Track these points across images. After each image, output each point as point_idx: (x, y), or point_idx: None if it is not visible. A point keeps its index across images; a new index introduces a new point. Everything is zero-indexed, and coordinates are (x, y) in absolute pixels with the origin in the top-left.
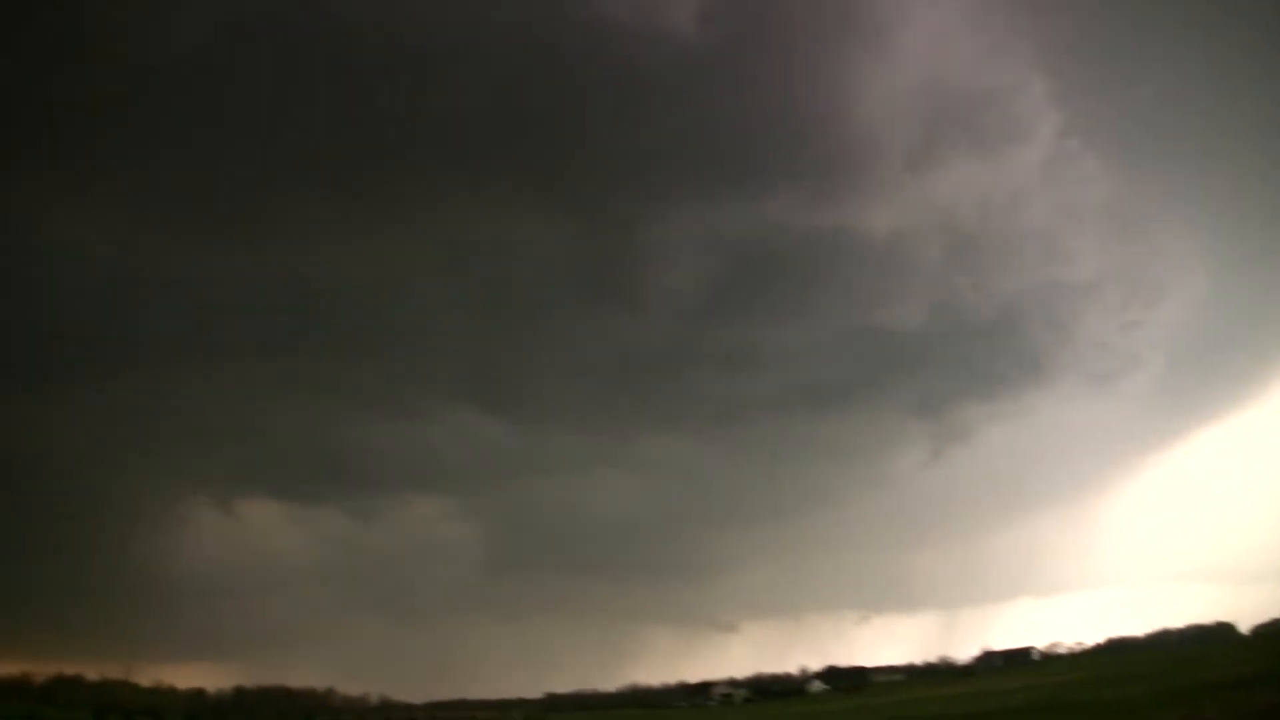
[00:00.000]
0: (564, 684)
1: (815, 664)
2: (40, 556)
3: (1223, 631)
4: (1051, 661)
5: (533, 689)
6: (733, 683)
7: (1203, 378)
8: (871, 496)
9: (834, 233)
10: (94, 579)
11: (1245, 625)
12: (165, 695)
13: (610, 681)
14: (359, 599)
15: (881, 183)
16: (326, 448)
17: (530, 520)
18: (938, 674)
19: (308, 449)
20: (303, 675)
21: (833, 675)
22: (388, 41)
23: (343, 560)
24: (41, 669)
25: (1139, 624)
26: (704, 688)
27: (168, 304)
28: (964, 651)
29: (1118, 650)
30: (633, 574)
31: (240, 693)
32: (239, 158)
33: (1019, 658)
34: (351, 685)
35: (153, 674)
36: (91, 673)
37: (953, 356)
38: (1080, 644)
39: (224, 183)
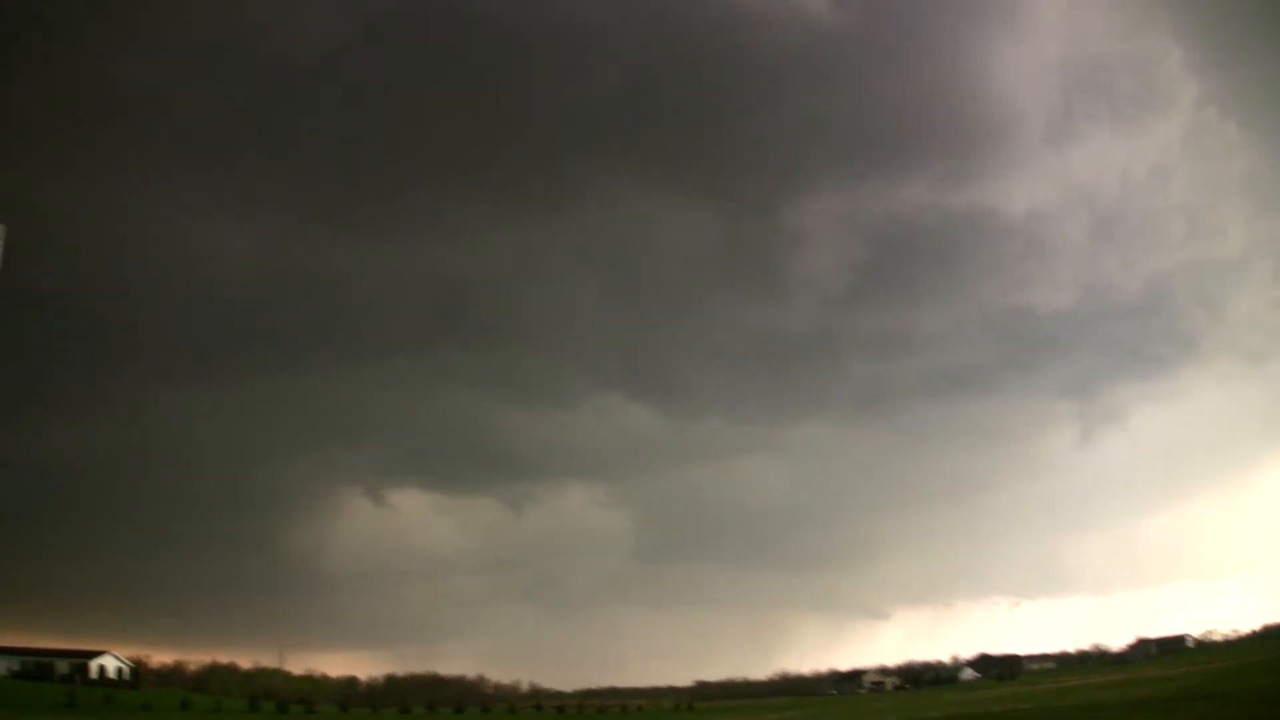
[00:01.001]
0: (714, 672)
1: (967, 651)
2: (196, 549)
3: None
4: (1206, 649)
5: (683, 677)
6: (883, 670)
7: None
8: (1022, 480)
9: (974, 212)
10: (249, 571)
11: None
12: (318, 683)
13: (760, 670)
14: (509, 587)
15: (1020, 159)
16: (477, 438)
17: (680, 507)
18: (1090, 661)
19: (458, 439)
20: (453, 663)
21: (984, 663)
22: (526, 34)
23: (493, 549)
24: (196, 658)
25: None
26: (855, 676)
27: (317, 302)
28: (1117, 638)
29: (1274, 637)
30: (783, 561)
31: (391, 680)
32: (383, 155)
33: (1173, 645)
34: (502, 673)
35: (305, 662)
36: (245, 661)
37: (1101, 336)
38: (1236, 631)
39: (369, 180)
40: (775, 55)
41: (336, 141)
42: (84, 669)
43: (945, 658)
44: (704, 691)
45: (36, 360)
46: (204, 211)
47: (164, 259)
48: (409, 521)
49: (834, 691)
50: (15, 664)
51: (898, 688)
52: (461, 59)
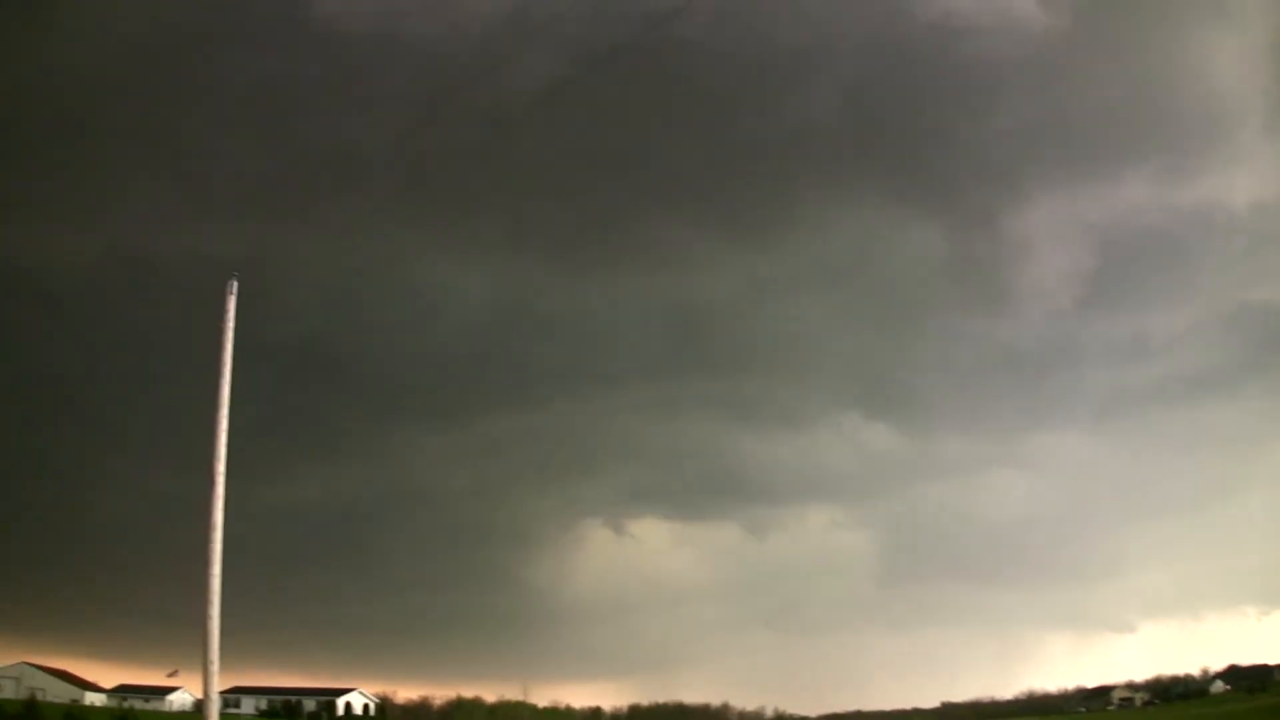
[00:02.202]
0: (959, 693)
1: (1216, 663)
2: (439, 587)
3: None
4: None
5: (928, 699)
6: (1131, 686)
7: None
8: (1269, 485)
9: (1199, 208)
10: (492, 605)
11: None
12: (562, 714)
13: (1006, 689)
14: (751, 613)
15: (1241, 151)
16: (715, 464)
17: (921, 526)
18: None
19: (697, 467)
20: (697, 691)
21: (1235, 675)
22: (740, 60)
23: (734, 575)
24: (441, 692)
25: None
26: (1102, 692)
27: (551, 338)
28: None
29: None
30: (1026, 576)
31: (635, 710)
32: (610, 188)
33: None
34: (746, 699)
35: (550, 694)
36: (489, 695)
37: None
38: None
39: (597, 214)
40: (988, 62)
41: (561, 178)
42: (331, 706)
43: (1194, 671)
44: (949, 713)
45: (276, 409)
46: (435, 257)
47: (398, 305)
48: (649, 550)
49: (1082, 709)
50: (263, 703)
51: (1146, 703)
52: (679, 88)
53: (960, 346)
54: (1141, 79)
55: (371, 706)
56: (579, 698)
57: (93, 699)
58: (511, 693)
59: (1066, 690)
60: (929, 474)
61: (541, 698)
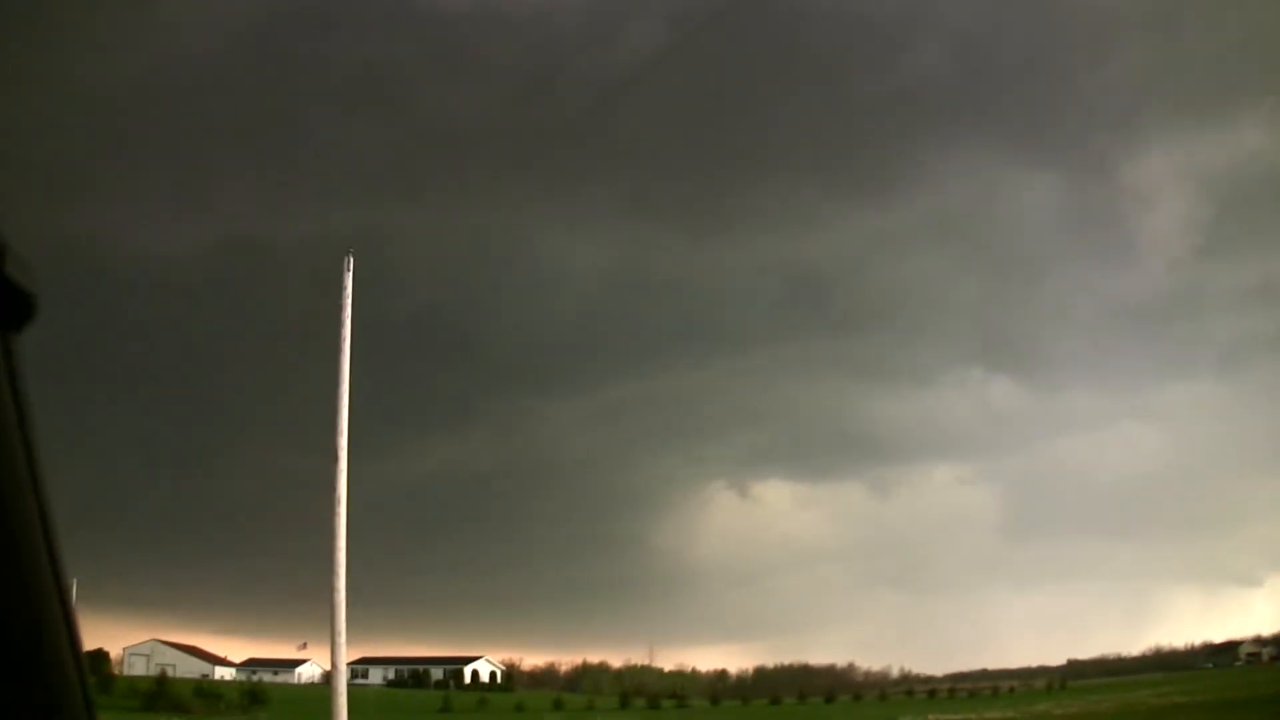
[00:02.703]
0: (1086, 650)
1: None
2: (565, 554)
3: None
4: None
5: (1054, 656)
6: (1259, 640)
7: None
8: None
9: None
10: (617, 571)
11: None
12: (688, 678)
13: (1133, 645)
14: (876, 573)
15: None
16: (838, 424)
17: (1046, 481)
18: None
19: (820, 427)
20: (823, 652)
21: None
22: (849, 16)
23: (859, 535)
24: (567, 659)
25: None
26: (1230, 647)
27: (672, 302)
28: None
29: None
30: (1154, 530)
31: (761, 672)
32: (724, 152)
33: None
34: (872, 660)
35: (675, 658)
36: (615, 660)
37: None
38: None
39: (713, 178)
40: (1102, 8)
41: (672, 144)
42: (458, 674)
43: None
44: (1076, 670)
45: (397, 385)
46: (550, 227)
47: (515, 277)
48: (774, 512)
49: (1209, 665)
50: (391, 673)
51: (1274, 658)
52: (790, 48)
53: (1082, 298)
54: (1257, 21)
55: (498, 674)
56: (705, 661)
57: (222, 673)
58: (638, 657)
59: (1194, 646)
60: (1054, 428)
61: (667, 662)
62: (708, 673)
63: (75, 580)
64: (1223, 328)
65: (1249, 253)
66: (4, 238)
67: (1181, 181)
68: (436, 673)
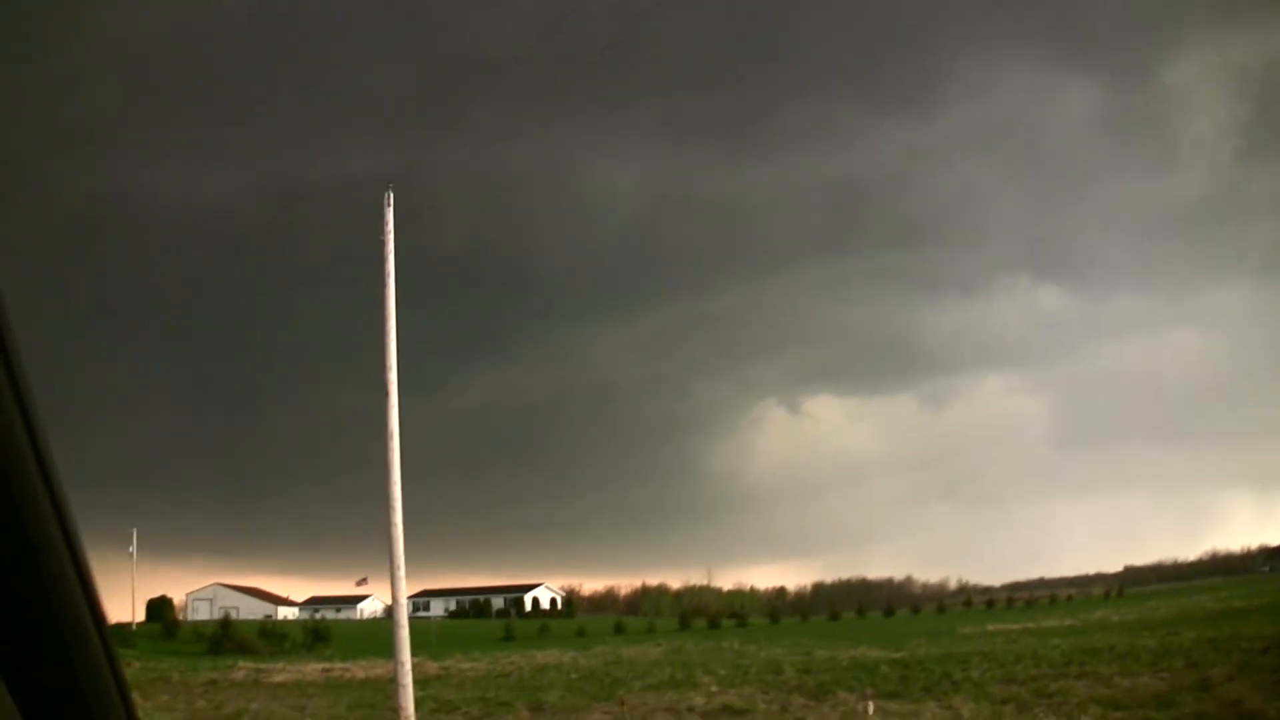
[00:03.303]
0: (1142, 556)
1: None
2: (620, 481)
3: None
4: None
5: (1111, 563)
6: None
7: None
8: None
9: None
10: (672, 495)
11: None
12: (746, 596)
13: (1189, 550)
14: (931, 485)
15: None
16: (887, 337)
17: (1098, 388)
18: None
19: (868, 341)
20: (880, 567)
21: None
22: None
23: (912, 448)
24: (627, 582)
25: None
26: None
27: (712, 224)
28: None
29: None
30: (1207, 435)
31: (820, 588)
32: (756, 70)
33: None
34: (929, 572)
35: (734, 577)
36: (675, 582)
37: None
38: None
39: (747, 97)
40: None
41: (708, 63)
42: (519, 602)
43: None
44: (1133, 576)
45: (445, 318)
46: (588, 153)
47: (556, 205)
48: (826, 428)
49: (1265, 568)
50: (452, 604)
51: None
52: None
53: (1125, 203)
54: None
55: (558, 600)
56: (763, 579)
57: (285, 613)
58: (696, 578)
59: (1250, 550)
60: (1103, 334)
61: (726, 581)
62: (766, 591)
63: (135, 530)
64: (1267, 231)
65: None
66: None
67: (1220, 83)
68: (498, 602)
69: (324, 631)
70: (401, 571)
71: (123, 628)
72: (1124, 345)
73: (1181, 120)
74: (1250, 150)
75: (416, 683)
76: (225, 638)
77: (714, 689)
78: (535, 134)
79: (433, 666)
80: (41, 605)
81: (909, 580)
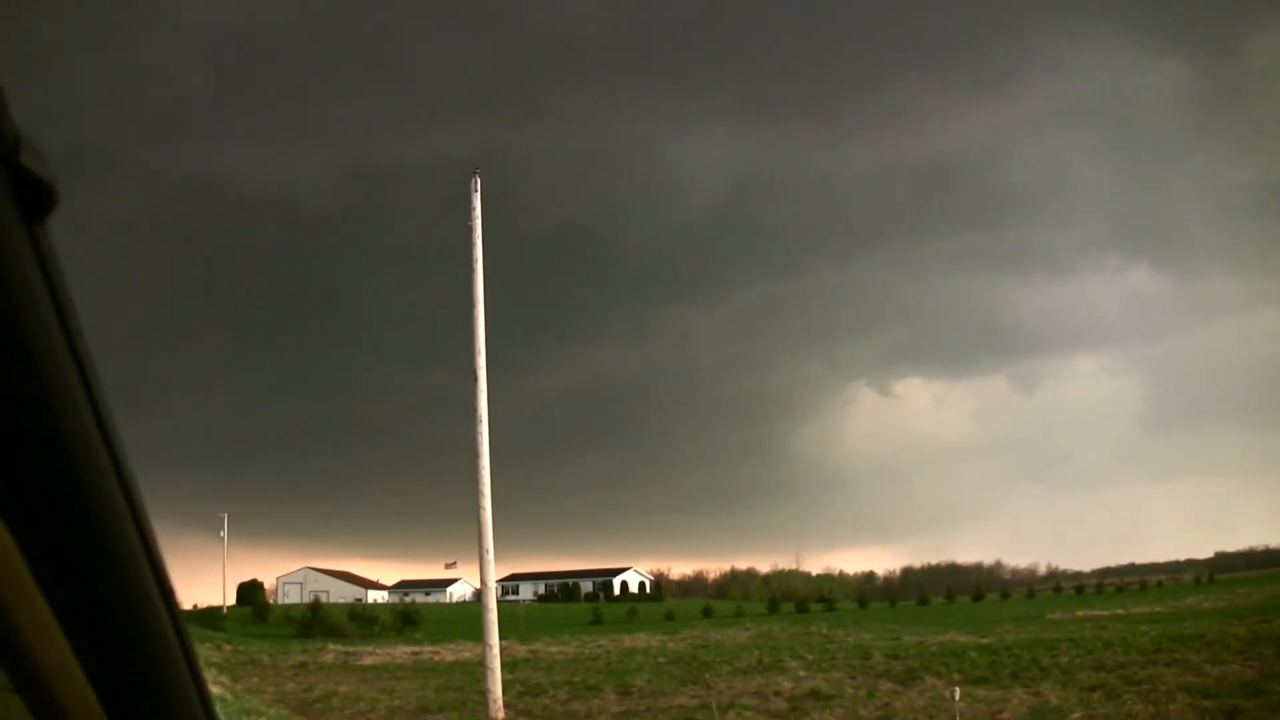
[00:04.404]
0: (1234, 542)
1: None
2: (709, 463)
3: None
4: None
5: (1202, 549)
6: None
7: None
8: None
9: None
10: (761, 477)
11: None
12: (835, 580)
13: None
14: (1021, 468)
15: None
16: (977, 318)
17: (1191, 370)
18: None
19: (958, 322)
20: (969, 551)
21: None
22: None
23: (1002, 430)
24: (716, 566)
25: None
26: None
27: (800, 204)
28: None
29: None
30: None
31: (908, 573)
32: (841, 50)
33: None
34: (1018, 557)
35: (822, 562)
36: (763, 565)
37: None
38: None
39: (833, 77)
40: None
41: (786, 44)
42: (608, 586)
43: None
44: (1224, 562)
45: (533, 301)
46: (671, 134)
47: (641, 186)
48: (916, 411)
49: None
50: (540, 587)
51: None
52: None
53: (1216, 181)
54: None
55: (647, 584)
56: (851, 563)
57: (375, 597)
58: (785, 562)
59: None
60: (1196, 314)
61: (815, 565)
62: (854, 575)
63: (226, 515)
64: None
65: None
66: (18, 128)
67: None
68: (586, 586)
69: (413, 615)
70: (490, 555)
71: (214, 611)
72: (1215, 326)
73: (1268, 97)
74: None
75: (504, 666)
76: (315, 621)
77: (801, 673)
78: (619, 116)
79: (520, 650)
80: (114, 594)
81: (998, 565)
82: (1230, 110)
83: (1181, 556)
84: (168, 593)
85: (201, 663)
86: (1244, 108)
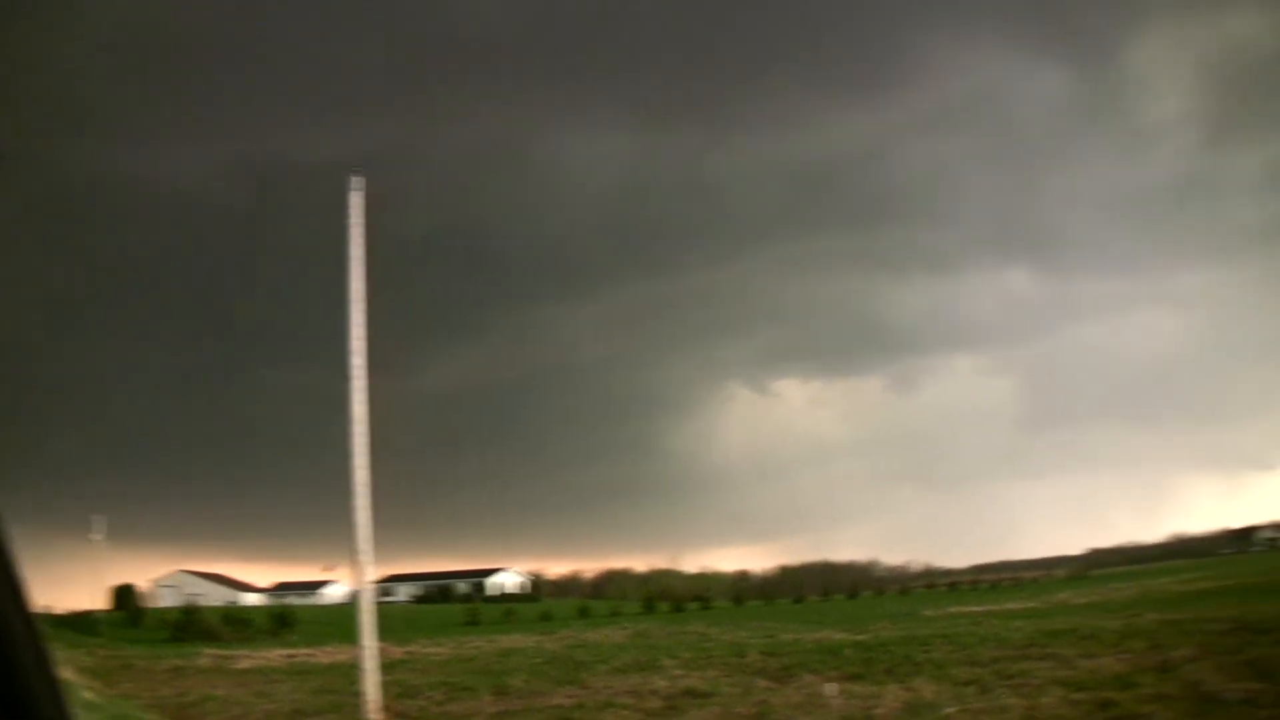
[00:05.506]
0: (1106, 538)
1: None
2: (584, 462)
3: None
4: None
5: (1075, 546)
6: (1278, 526)
7: None
8: None
9: None
10: (637, 476)
11: None
12: (711, 579)
13: (1152, 533)
14: (897, 468)
15: None
16: (854, 318)
17: (1065, 369)
18: None
19: (836, 322)
20: (845, 550)
21: None
22: None
23: (878, 430)
24: (591, 566)
25: None
26: (1249, 533)
27: (680, 205)
28: None
29: None
30: (1173, 417)
31: (784, 571)
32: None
33: None
34: (893, 555)
35: (698, 561)
36: (638, 565)
37: None
38: None
39: (714, 80)
40: None
41: (684, 48)
42: (484, 587)
43: None
44: (1097, 559)
45: (415, 300)
46: (557, 135)
47: (526, 186)
48: (792, 410)
49: (1228, 550)
50: (418, 589)
51: None
52: None
53: (1096, 184)
54: None
55: (524, 584)
56: (728, 562)
57: (250, 599)
58: (661, 561)
59: (1213, 532)
60: (1071, 315)
61: (691, 564)
62: (731, 574)
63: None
64: (1234, 214)
65: (1261, 135)
66: None
67: (1186, 67)
68: (464, 586)
69: (289, 617)
70: (366, 557)
71: (88, 615)
72: (1091, 327)
73: (1148, 104)
74: (1216, 135)
75: (381, 668)
76: (190, 624)
77: (677, 672)
78: (506, 116)
79: (397, 651)
80: None
81: (874, 563)
82: (1107, 116)
83: (1055, 553)
84: (19, 592)
85: (73, 668)
86: (1121, 114)
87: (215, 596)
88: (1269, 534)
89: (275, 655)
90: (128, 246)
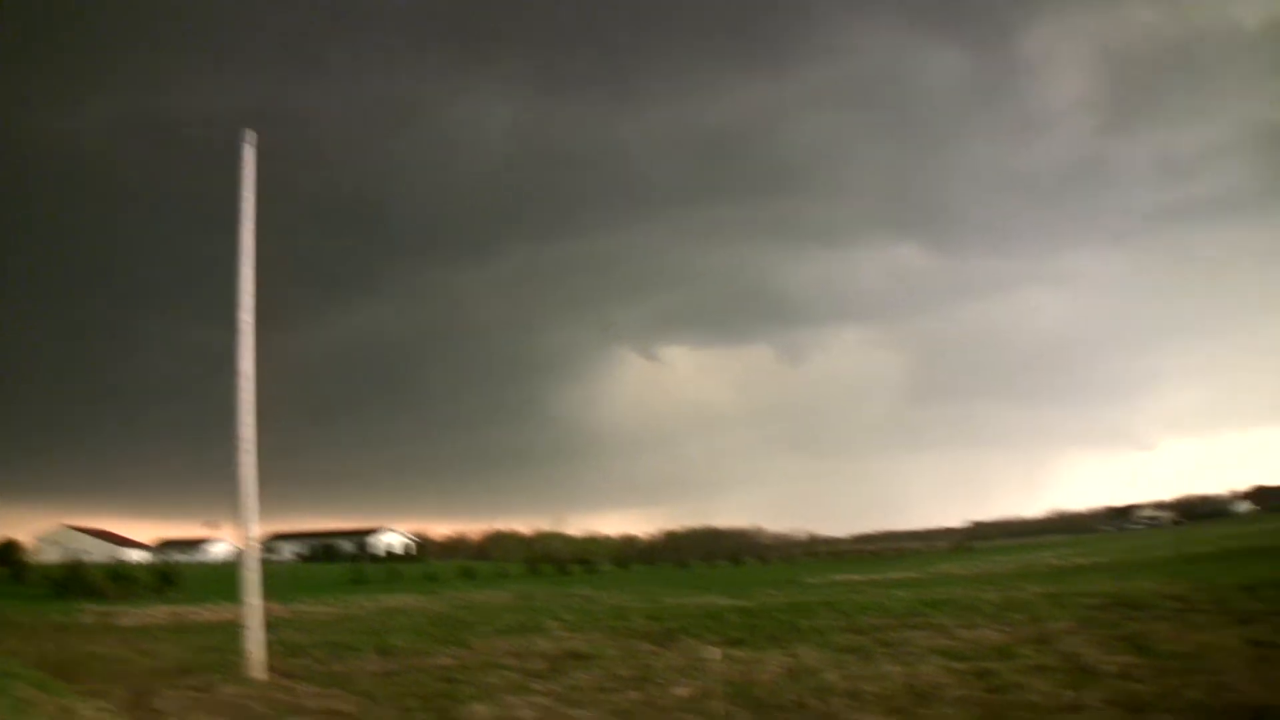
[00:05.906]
0: (987, 512)
1: (1242, 484)
2: (472, 423)
3: None
4: None
5: (957, 518)
6: (1158, 505)
7: None
8: None
9: (1215, 24)
10: (524, 439)
11: None
12: (596, 543)
13: (1033, 508)
14: (784, 437)
15: None
16: (747, 288)
17: (953, 345)
18: None
19: (728, 291)
20: (730, 516)
21: (1261, 495)
22: None
23: (767, 399)
24: (476, 528)
25: None
26: (1127, 511)
27: (577, 171)
28: None
29: None
30: (1056, 395)
31: (669, 536)
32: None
33: None
34: (778, 523)
35: (583, 524)
36: (524, 528)
37: None
38: None
39: (615, 47)
40: None
41: (576, 16)
42: (368, 547)
43: (1220, 490)
44: (979, 532)
45: (306, 257)
46: (457, 97)
47: (424, 147)
48: (681, 377)
49: (1108, 528)
50: (303, 548)
51: (1175, 522)
52: None
53: (990, 166)
54: None
55: (409, 545)
56: (614, 527)
57: (135, 556)
58: (545, 525)
59: (1093, 509)
60: (961, 292)
61: (576, 528)
62: (616, 538)
63: None
64: (1123, 199)
65: (1152, 124)
66: None
67: (1080, 55)
68: (348, 545)
69: (173, 575)
70: (251, 514)
71: None
72: (979, 304)
73: (1044, 89)
74: (1109, 121)
75: (265, 626)
76: (74, 581)
77: (560, 634)
78: (405, 76)
79: (282, 610)
80: None
81: (758, 530)
82: (1003, 99)
83: (937, 525)
84: None
85: None
86: (1017, 97)
87: (100, 553)
88: (1149, 513)
89: (160, 613)
90: (12, 200)
